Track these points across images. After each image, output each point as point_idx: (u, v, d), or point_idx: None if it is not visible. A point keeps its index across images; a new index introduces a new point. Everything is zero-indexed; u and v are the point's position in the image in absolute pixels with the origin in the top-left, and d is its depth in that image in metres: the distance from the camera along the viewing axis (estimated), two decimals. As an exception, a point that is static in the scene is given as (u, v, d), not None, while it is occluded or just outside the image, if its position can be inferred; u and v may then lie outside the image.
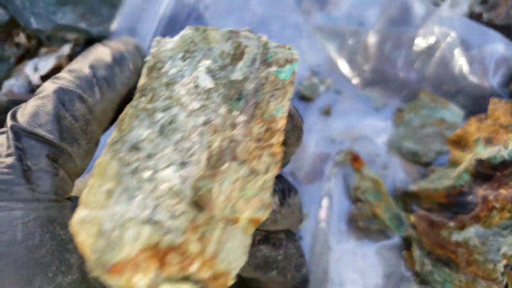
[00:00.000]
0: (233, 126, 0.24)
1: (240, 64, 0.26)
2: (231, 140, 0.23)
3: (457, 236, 0.39)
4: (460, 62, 0.45)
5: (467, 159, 0.39)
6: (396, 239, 0.42)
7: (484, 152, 0.38)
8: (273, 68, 0.26)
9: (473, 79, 0.46)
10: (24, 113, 0.24)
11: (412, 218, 0.42)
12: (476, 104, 0.45)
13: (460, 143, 0.40)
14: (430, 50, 0.46)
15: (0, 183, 0.22)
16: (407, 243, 0.42)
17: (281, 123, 0.25)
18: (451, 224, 0.39)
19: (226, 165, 0.23)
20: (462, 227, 0.39)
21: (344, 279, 0.40)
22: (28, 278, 0.21)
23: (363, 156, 0.44)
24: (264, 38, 0.27)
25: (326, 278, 0.40)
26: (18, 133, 0.23)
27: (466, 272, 0.38)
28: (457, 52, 0.45)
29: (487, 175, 0.38)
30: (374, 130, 0.46)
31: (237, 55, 0.26)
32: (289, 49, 0.27)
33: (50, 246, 0.22)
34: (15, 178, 0.22)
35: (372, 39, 0.46)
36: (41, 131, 0.23)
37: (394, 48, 0.46)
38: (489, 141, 0.38)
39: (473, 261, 0.38)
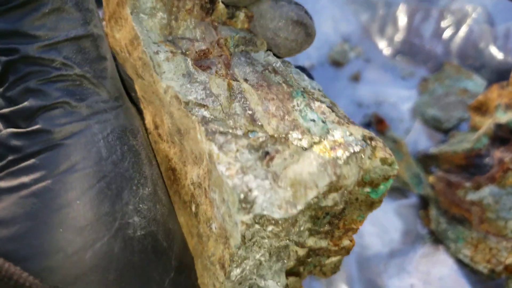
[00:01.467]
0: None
1: (334, 194, 0.22)
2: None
3: (472, 196, 0.41)
4: (486, 37, 0.47)
5: (487, 124, 0.41)
6: (414, 199, 0.45)
7: (504, 117, 0.40)
8: (367, 189, 0.23)
9: (498, 54, 0.48)
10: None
11: (431, 179, 0.44)
12: (499, 78, 0.48)
13: (481, 109, 0.43)
14: (457, 25, 0.48)
15: (75, 94, 0.20)
16: (424, 203, 0.45)
17: (358, 226, 0.24)
18: (468, 184, 0.41)
19: None
20: (477, 187, 0.41)
21: (364, 231, 0.43)
22: (117, 193, 0.21)
23: (387, 121, 0.47)
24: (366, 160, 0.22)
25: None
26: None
27: (478, 230, 0.41)
28: (484, 27, 0.47)
29: (505, 139, 0.40)
30: (399, 97, 0.48)
31: (332, 189, 0.21)
32: (391, 164, 0.22)
33: (130, 158, 0.22)
34: (85, 89, 0.21)
35: (402, 11, 0.49)
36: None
37: (423, 21, 0.49)
38: (509, 107, 0.40)
39: (486, 219, 0.40)
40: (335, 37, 0.50)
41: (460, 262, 0.43)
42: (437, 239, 0.44)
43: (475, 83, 0.46)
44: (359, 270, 0.42)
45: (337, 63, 0.48)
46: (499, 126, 0.40)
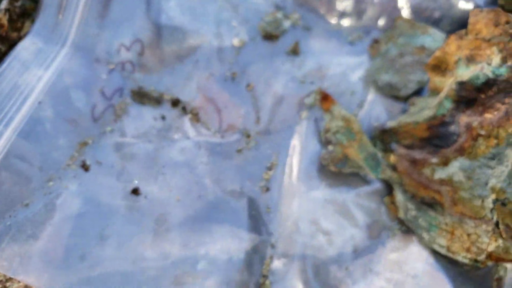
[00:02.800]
0: None
1: None
2: None
3: (440, 173, 0.34)
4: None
5: (448, 84, 0.34)
6: (377, 185, 0.37)
7: (466, 72, 0.33)
8: None
9: (458, 1, 0.40)
10: None
11: (392, 158, 0.37)
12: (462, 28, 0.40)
13: (441, 66, 0.35)
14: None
15: None
16: (388, 188, 0.37)
17: None
18: (434, 160, 0.34)
19: None
20: (445, 162, 0.34)
21: (315, 231, 0.36)
22: None
23: (336, 96, 0.40)
24: None
25: (296, 230, 0.36)
26: None
27: (452, 213, 0.34)
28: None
29: (471, 100, 0.32)
30: (348, 67, 0.41)
31: None
32: None
33: None
34: None
35: (341, -36, 0.41)
36: None
37: (367, -27, 0.41)
38: (471, 60, 0.33)
39: (459, 199, 0.33)
40: (266, 5, 0.42)
41: (437, 254, 0.36)
42: (408, 229, 0.36)
43: (433, 38, 0.38)
44: (316, 277, 0.35)
45: (270, 36, 0.41)
46: (461, 85, 0.32)
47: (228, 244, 0.35)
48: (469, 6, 0.40)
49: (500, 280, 0.35)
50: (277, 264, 0.35)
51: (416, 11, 0.41)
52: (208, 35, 0.42)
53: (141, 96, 0.40)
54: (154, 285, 0.33)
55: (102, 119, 0.38)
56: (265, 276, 0.34)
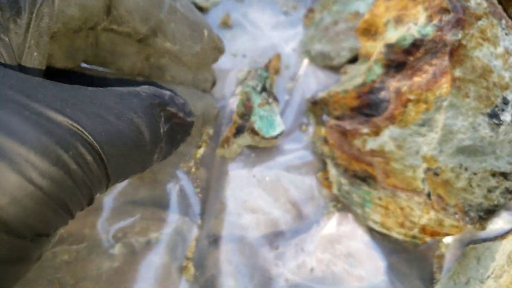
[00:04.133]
0: None
1: None
2: None
3: (372, 144, 0.32)
4: None
5: (378, 48, 0.32)
6: (309, 158, 0.35)
7: (394, 35, 0.31)
8: None
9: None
10: None
11: (323, 131, 0.35)
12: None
13: (371, 30, 0.33)
14: None
15: None
16: (322, 164, 0.35)
17: None
18: (365, 130, 0.32)
19: None
20: (376, 132, 0.31)
21: (243, 209, 0.33)
22: None
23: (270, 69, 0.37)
24: None
25: (223, 209, 0.33)
26: None
27: (385, 186, 0.32)
28: None
29: (400, 63, 0.30)
30: (282, 38, 0.38)
31: None
32: None
33: None
34: None
35: None
36: None
37: None
38: (399, 21, 0.31)
39: (391, 170, 0.31)
40: (195, -25, 0.40)
41: (373, 231, 0.33)
42: (344, 205, 0.34)
43: (367, 2, 0.36)
44: (243, 258, 0.32)
45: (200, 8, 0.38)
46: (390, 48, 0.30)
47: (148, 225, 0.32)
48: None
49: (441, 257, 0.33)
50: (203, 245, 0.32)
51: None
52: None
53: None
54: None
55: None
56: (188, 259, 0.32)
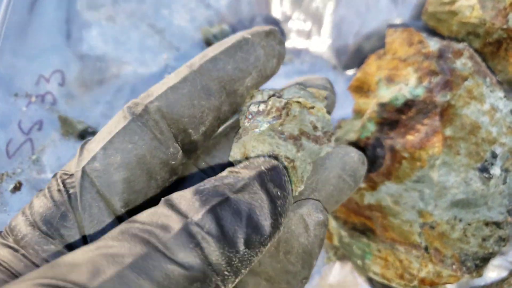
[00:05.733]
0: None
1: None
2: None
3: (369, 198, 0.33)
4: None
5: (371, 106, 0.33)
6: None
7: (387, 93, 0.32)
8: None
9: (381, 15, 0.39)
10: None
11: (321, 184, 0.36)
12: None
13: (363, 88, 0.34)
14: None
15: None
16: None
17: None
18: (362, 185, 0.33)
19: None
20: (373, 187, 0.33)
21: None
22: None
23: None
24: None
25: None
26: None
27: (384, 240, 0.33)
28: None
29: (393, 121, 0.31)
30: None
31: None
32: None
33: None
34: None
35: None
36: None
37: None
38: (390, 80, 0.32)
39: (388, 225, 0.32)
40: (192, 29, 0.41)
41: (373, 280, 0.34)
42: (344, 255, 0.35)
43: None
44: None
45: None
46: (382, 106, 0.31)
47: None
48: (393, 19, 0.39)
49: (440, 302, 0.34)
50: None
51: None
52: (132, 63, 0.40)
53: (64, 128, 0.38)
54: None
55: (18, 155, 0.36)
56: None
